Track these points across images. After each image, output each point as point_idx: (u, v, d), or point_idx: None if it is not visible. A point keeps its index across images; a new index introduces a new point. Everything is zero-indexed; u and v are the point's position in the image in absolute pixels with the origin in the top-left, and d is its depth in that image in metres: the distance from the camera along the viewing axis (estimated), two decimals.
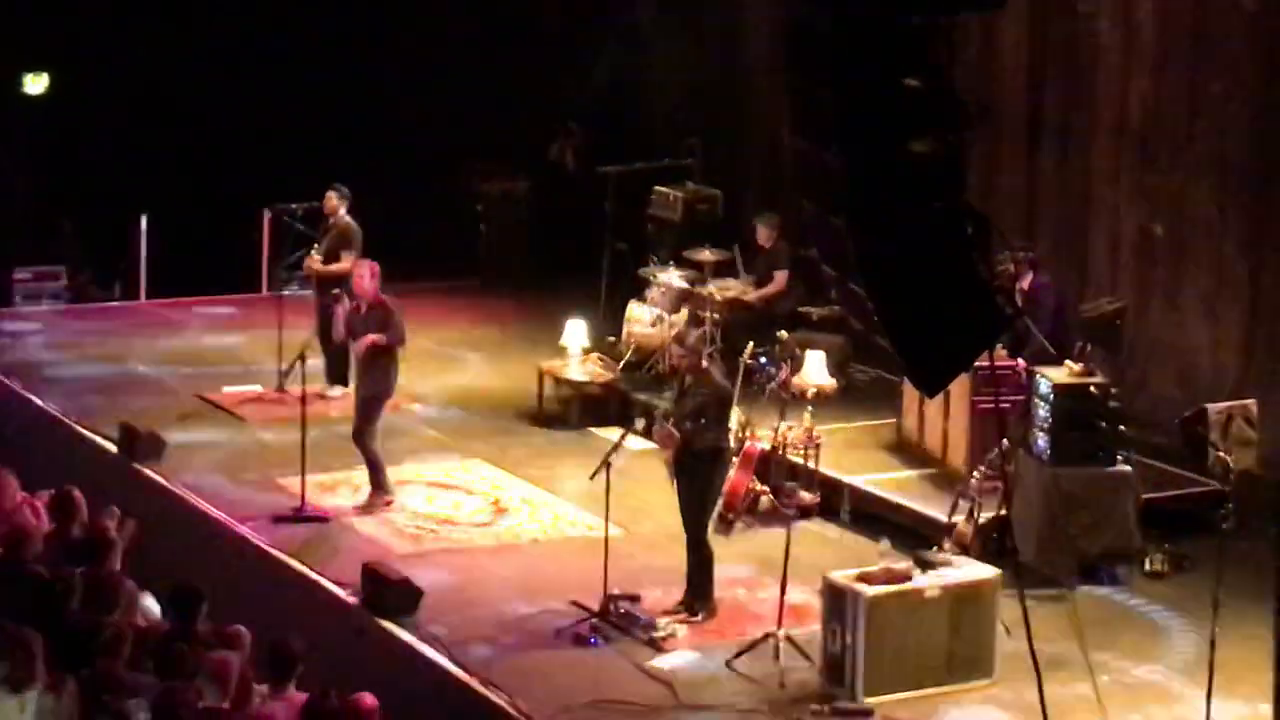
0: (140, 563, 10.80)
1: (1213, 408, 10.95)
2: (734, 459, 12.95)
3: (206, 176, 18.90)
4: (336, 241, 15.55)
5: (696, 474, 11.59)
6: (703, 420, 11.49)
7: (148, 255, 19.03)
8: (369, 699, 8.52)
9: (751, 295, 15.91)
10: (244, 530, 12.93)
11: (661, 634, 11.33)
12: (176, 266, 18.74)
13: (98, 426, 14.83)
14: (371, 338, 13.18)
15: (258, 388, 15.88)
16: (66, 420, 15.09)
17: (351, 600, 11.81)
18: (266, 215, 18.35)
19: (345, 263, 15.20)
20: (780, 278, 15.88)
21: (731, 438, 12.58)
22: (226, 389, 15.94)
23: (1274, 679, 6.97)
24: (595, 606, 11.55)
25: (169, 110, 19.20)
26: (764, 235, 16.07)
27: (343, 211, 15.61)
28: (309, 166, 16.93)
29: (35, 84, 19.69)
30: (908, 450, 14.15)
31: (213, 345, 17.44)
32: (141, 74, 19.16)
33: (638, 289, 16.44)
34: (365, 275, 13.39)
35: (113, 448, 14.41)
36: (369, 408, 13.29)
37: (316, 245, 15.69)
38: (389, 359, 13.29)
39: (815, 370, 14.06)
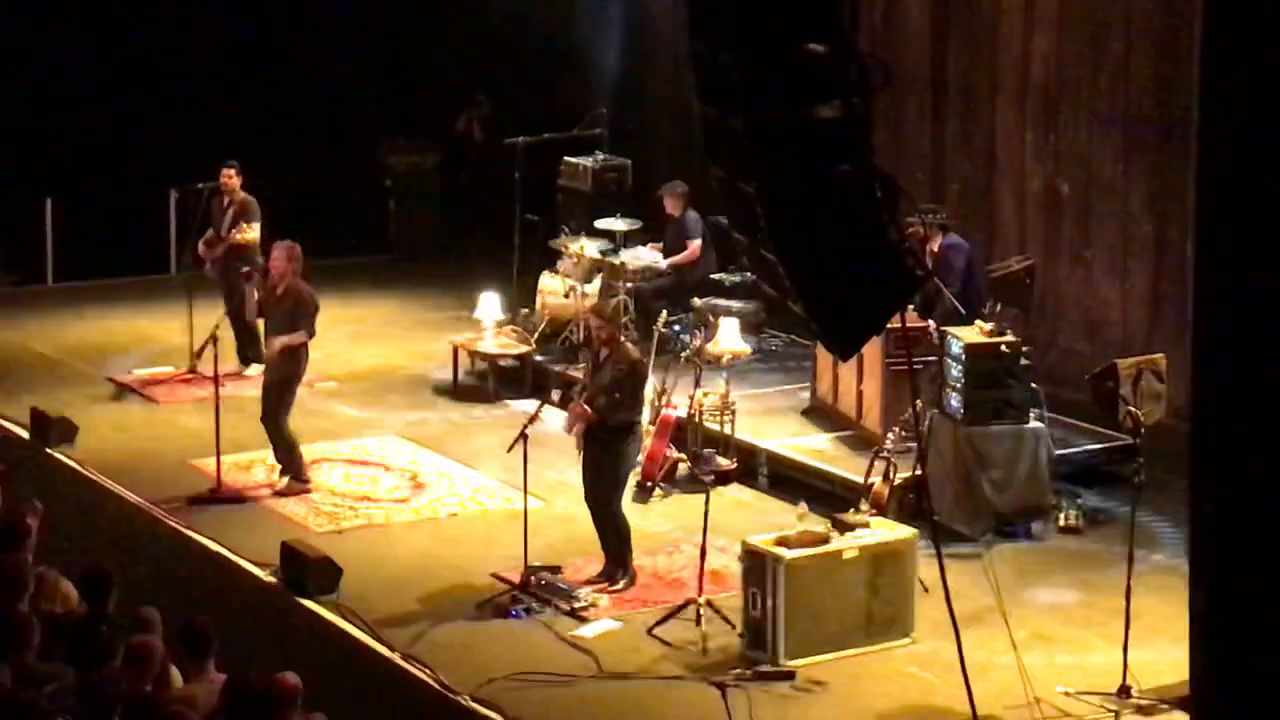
0: (56, 548, 10.73)
1: (1122, 363, 11.05)
2: (650, 427, 12.99)
3: (112, 158, 18.72)
4: (240, 216, 15.46)
5: (609, 448, 11.57)
6: (617, 395, 11.49)
7: (54, 238, 18.85)
8: (291, 678, 8.48)
9: (663, 263, 15.93)
10: (160, 513, 12.85)
11: (583, 604, 11.35)
12: (84, 249, 18.57)
13: (8, 412, 14.70)
14: (282, 342, 13.04)
15: (169, 369, 15.79)
16: None
17: (271, 580, 11.77)
18: (173, 195, 18.21)
19: (248, 234, 15.16)
20: (694, 246, 15.89)
21: (648, 406, 12.60)
22: (137, 371, 15.83)
23: (1189, 629, 7.06)
24: (516, 579, 11.55)
25: (75, 91, 18.99)
26: (671, 204, 16.07)
27: (238, 186, 15.51)
28: (216, 145, 16.81)
29: None
30: (822, 414, 14.22)
31: (122, 327, 17.30)
32: (46, 55, 18.94)
33: (550, 260, 16.42)
34: (281, 257, 13.23)
35: (24, 433, 14.29)
36: (281, 391, 13.20)
37: (215, 228, 15.57)
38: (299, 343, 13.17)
39: (729, 337, 14.10)
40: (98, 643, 8.73)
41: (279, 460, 13.33)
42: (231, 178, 15.55)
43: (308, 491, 13.19)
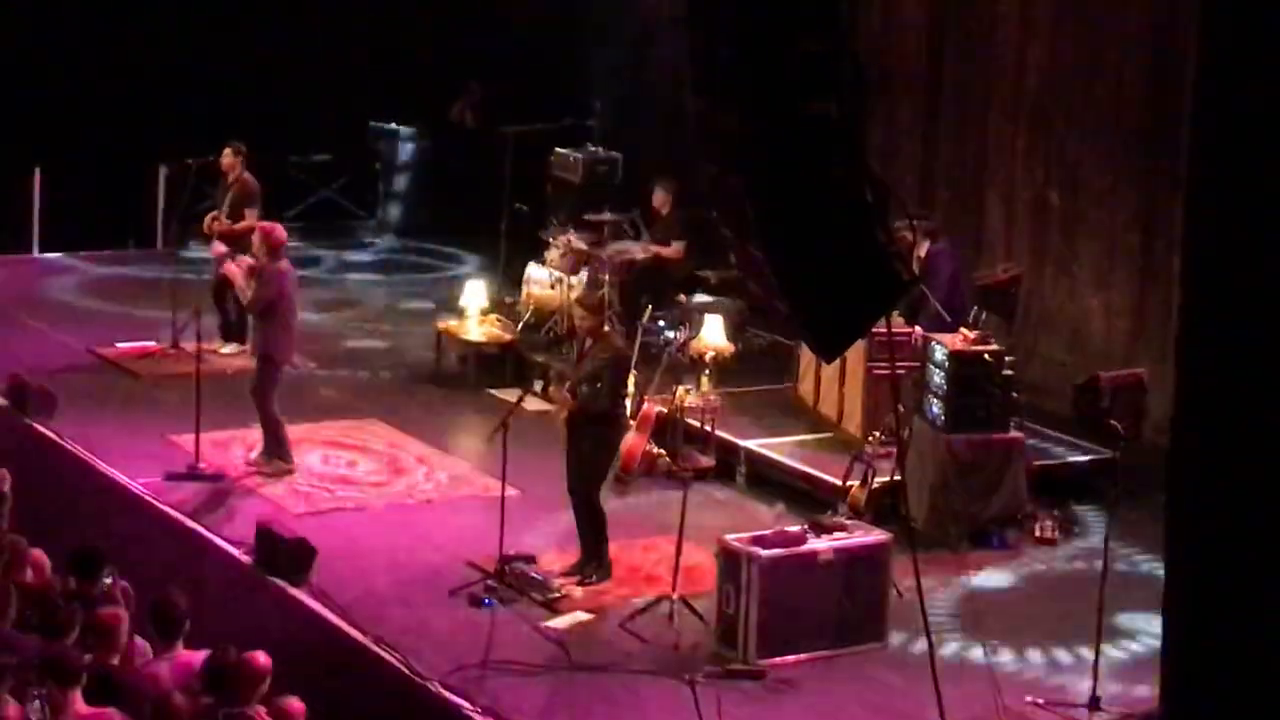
0: (31, 518, 10.70)
1: (1105, 375, 11.08)
2: (631, 422, 12.97)
3: (103, 130, 18.67)
4: (239, 199, 15.44)
5: (590, 437, 11.57)
6: (599, 384, 11.48)
7: (41, 208, 18.80)
8: (262, 658, 8.48)
9: (643, 252, 15.88)
10: (136, 487, 12.80)
11: (556, 595, 11.34)
12: (71, 220, 18.53)
13: None
14: (240, 271, 13.19)
15: (151, 343, 15.76)
16: None
17: (245, 559, 11.73)
18: (163, 170, 18.17)
19: (250, 220, 15.15)
20: (678, 247, 15.87)
21: (629, 401, 12.59)
22: (120, 344, 15.80)
23: (1161, 643, 7.06)
24: (490, 567, 11.54)
25: (66, 63, 18.93)
26: (659, 199, 16.06)
27: (240, 168, 15.50)
28: (206, 121, 16.78)
29: None
30: (804, 415, 14.22)
31: (106, 300, 17.25)
32: (37, 25, 18.88)
33: (537, 250, 16.41)
34: (258, 238, 13.27)
35: (3, 402, 14.24)
36: (263, 369, 13.17)
37: (217, 208, 15.55)
38: (277, 319, 13.14)
39: (713, 333, 14.09)
40: (55, 614, 8.71)
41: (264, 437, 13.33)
42: (228, 157, 15.53)
43: (290, 473, 13.17)
